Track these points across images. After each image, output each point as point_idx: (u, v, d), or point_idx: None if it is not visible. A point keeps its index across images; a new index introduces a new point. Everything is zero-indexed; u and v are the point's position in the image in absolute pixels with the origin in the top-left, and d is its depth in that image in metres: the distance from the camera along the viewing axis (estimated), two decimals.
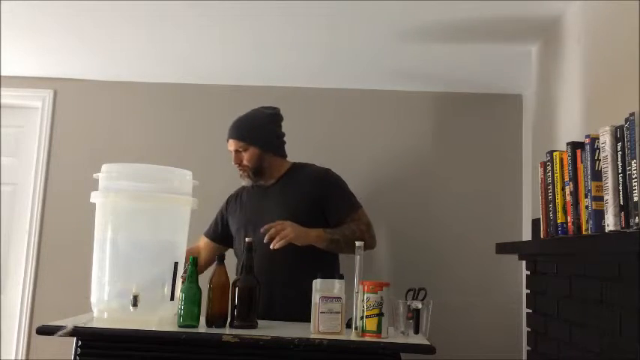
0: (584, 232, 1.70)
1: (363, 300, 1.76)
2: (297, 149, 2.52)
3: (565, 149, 1.82)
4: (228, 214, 2.50)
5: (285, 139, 2.45)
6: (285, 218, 2.17)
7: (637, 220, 1.38)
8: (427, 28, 2.43)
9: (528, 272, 2.34)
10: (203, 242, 2.51)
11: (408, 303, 1.85)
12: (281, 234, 2.06)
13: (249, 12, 2.32)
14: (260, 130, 2.38)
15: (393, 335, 1.80)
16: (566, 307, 1.94)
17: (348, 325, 1.82)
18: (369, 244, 2.30)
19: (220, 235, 2.49)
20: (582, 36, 2.08)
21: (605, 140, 1.53)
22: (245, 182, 2.41)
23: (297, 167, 2.45)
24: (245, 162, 2.35)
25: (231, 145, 2.38)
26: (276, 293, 2.20)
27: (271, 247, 2.04)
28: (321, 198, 2.32)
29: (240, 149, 2.35)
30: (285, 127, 2.48)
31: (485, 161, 3.09)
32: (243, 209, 2.43)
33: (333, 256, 2.33)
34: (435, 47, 2.61)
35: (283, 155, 2.44)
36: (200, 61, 2.94)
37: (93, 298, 1.90)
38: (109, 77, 3.21)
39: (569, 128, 2.13)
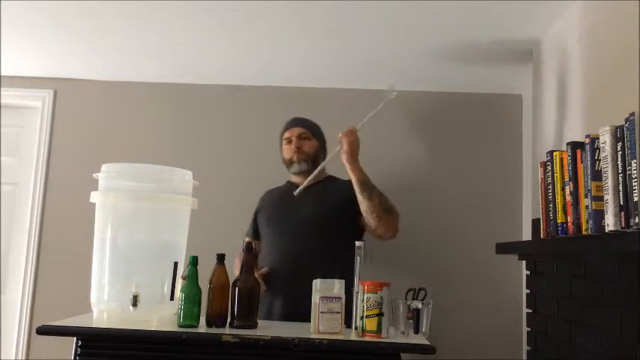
0: (584, 232, 1.70)
1: (363, 300, 1.76)
2: None
3: (565, 149, 1.82)
4: (259, 207, 2.59)
5: None
6: (319, 222, 2.35)
7: (637, 220, 1.39)
8: (428, 30, 2.43)
9: (528, 272, 2.35)
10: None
11: (408, 303, 1.85)
12: (348, 139, 2.32)
13: (249, 12, 2.32)
14: (321, 133, 2.61)
15: (393, 335, 1.80)
16: (566, 307, 1.94)
17: (348, 325, 1.82)
18: (391, 225, 2.40)
19: (254, 231, 2.57)
20: (582, 36, 2.08)
21: (605, 140, 1.53)
22: (295, 168, 2.50)
23: (332, 178, 2.58)
24: (305, 149, 2.51)
25: (295, 132, 2.53)
26: (301, 292, 2.21)
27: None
28: (353, 207, 2.37)
29: (304, 136, 2.53)
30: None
31: (485, 161, 3.09)
32: (275, 206, 2.51)
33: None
34: (435, 48, 2.61)
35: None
36: (200, 61, 2.94)
37: (93, 298, 1.89)
38: (109, 77, 3.21)
39: (569, 128, 2.13)
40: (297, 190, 2.35)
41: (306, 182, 2.37)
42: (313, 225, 2.36)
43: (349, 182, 2.43)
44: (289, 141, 2.54)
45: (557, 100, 2.31)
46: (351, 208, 2.37)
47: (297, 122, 2.58)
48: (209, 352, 1.75)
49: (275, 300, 2.32)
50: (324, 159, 2.53)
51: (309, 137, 2.53)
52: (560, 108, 2.27)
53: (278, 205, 2.51)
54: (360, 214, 2.37)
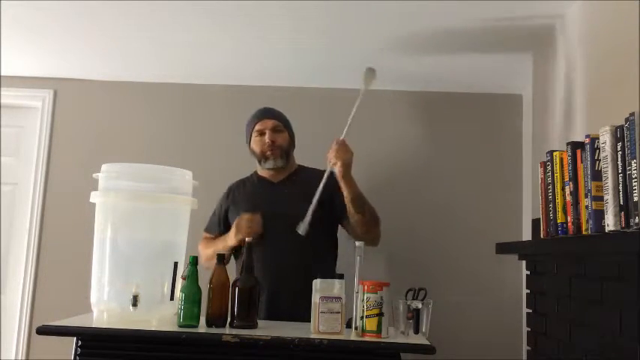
0: (584, 232, 1.70)
1: (363, 300, 1.76)
2: (297, 148, 2.53)
3: (565, 149, 1.82)
4: (229, 204, 2.50)
5: None
6: (300, 213, 2.24)
7: (637, 220, 1.39)
8: (428, 31, 2.43)
9: (528, 272, 2.34)
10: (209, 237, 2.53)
11: (408, 303, 1.85)
12: (342, 157, 2.19)
13: (249, 12, 2.32)
14: (290, 125, 2.52)
15: (393, 335, 1.80)
16: (566, 307, 1.94)
17: (348, 325, 1.82)
18: (376, 236, 2.38)
19: (225, 229, 2.47)
20: (582, 36, 2.08)
21: (605, 140, 1.53)
22: (269, 165, 2.42)
23: (304, 168, 2.52)
24: (279, 142, 2.42)
25: (268, 124, 2.43)
26: (284, 288, 2.22)
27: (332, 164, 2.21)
28: (330, 196, 2.32)
29: (278, 129, 2.43)
30: None
31: (485, 161, 3.09)
32: (251, 200, 2.44)
33: (335, 257, 2.41)
34: (435, 49, 2.61)
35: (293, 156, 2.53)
36: (200, 61, 2.94)
37: (93, 298, 1.89)
38: (109, 77, 3.21)
39: (569, 128, 2.13)
40: (303, 229, 2.18)
41: (307, 217, 2.20)
42: (294, 223, 2.27)
43: (321, 175, 2.36)
44: (261, 133, 2.43)
45: (557, 100, 2.31)
46: (329, 202, 2.33)
47: (268, 114, 2.47)
48: (209, 352, 1.75)
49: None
50: (292, 151, 2.50)
51: (282, 129, 2.45)
52: (560, 108, 2.27)
53: (254, 202, 2.42)
54: (338, 207, 2.33)
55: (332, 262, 2.39)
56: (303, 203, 2.31)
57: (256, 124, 2.46)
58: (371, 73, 2.34)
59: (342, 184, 2.25)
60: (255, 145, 2.46)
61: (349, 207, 2.28)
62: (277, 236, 2.29)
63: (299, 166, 2.53)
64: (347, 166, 2.22)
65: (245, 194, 2.50)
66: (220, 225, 2.50)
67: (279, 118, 2.47)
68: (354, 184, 2.27)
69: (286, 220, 2.28)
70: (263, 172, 2.49)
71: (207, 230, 2.55)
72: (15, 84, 3.21)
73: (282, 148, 2.42)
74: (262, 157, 2.43)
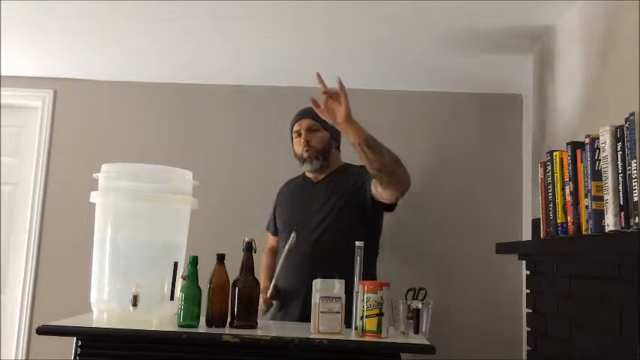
0: (584, 232, 1.70)
1: (363, 300, 1.75)
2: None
3: (565, 149, 1.82)
4: (276, 204, 2.57)
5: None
6: (330, 218, 2.28)
7: (637, 220, 1.39)
8: (428, 32, 2.43)
9: (528, 272, 2.34)
10: (271, 239, 2.60)
11: (408, 303, 1.85)
12: (340, 107, 2.03)
13: (249, 12, 2.32)
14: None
15: (393, 335, 1.80)
16: (566, 307, 1.94)
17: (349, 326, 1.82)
18: (404, 176, 2.22)
19: (275, 228, 2.56)
20: (582, 36, 2.08)
21: (605, 140, 1.53)
22: (307, 167, 2.42)
23: (348, 167, 2.47)
24: (314, 143, 2.39)
25: (304, 124, 2.41)
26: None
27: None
28: (363, 183, 2.27)
29: (314, 128, 2.40)
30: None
31: (486, 161, 3.09)
32: (290, 201, 2.48)
33: (374, 257, 2.36)
34: (436, 49, 2.61)
35: (338, 154, 2.50)
36: (201, 61, 2.94)
37: (93, 298, 1.89)
38: (109, 77, 3.21)
39: (569, 128, 2.13)
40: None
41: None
42: (328, 224, 2.30)
43: (356, 171, 2.37)
44: (299, 134, 2.42)
45: (557, 99, 2.31)
46: (357, 193, 2.29)
47: (306, 113, 2.42)
48: (209, 352, 1.75)
49: (291, 301, 2.30)
50: (338, 149, 2.46)
51: (319, 129, 2.40)
52: (560, 108, 2.27)
53: (293, 203, 2.46)
54: (373, 201, 2.25)
55: (370, 260, 2.22)
56: (341, 206, 2.32)
57: (294, 124, 2.46)
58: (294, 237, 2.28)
59: (346, 131, 2.07)
60: (295, 146, 2.47)
61: (366, 153, 2.08)
62: (310, 237, 2.30)
63: (344, 164, 2.48)
64: (349, 109, 2.06)
65: (288, 195, 2.54)
66: (272, 225, 2.57)
67: (316, 117, 2.35)
68: (359, 127, 2.09)
69: (318, 221, 2.30)
70: (308, 173, 2.50)
71: (268, 230, 2.62)
72: (15, 84, 3.22)
73: (316, 149, 2.39)
74: (301, 160, 2.43)
